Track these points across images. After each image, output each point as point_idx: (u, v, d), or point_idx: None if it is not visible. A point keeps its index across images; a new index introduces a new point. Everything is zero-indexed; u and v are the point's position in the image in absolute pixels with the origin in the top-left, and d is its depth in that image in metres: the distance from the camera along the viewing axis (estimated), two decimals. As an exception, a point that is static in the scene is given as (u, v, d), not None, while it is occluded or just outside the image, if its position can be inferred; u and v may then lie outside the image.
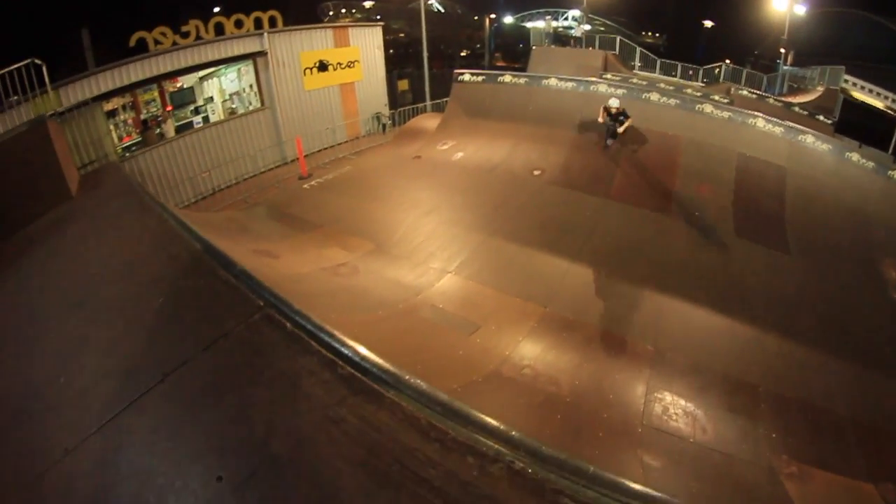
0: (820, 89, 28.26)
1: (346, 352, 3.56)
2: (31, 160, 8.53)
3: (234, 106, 18.45)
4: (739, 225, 12.25)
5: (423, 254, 10.28)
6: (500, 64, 47.57)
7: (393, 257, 10.22)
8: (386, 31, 22.83)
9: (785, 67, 33.73)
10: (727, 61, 32.14)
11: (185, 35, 16.36)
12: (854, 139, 25.14)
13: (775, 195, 13.29)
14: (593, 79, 17.03)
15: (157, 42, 15.71)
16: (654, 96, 15.46)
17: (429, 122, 18.48)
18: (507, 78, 17.34)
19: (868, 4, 42.52)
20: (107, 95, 14.57)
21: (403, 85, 27.97)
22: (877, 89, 28.39)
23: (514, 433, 2.87)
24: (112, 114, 15.19)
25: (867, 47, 39.75)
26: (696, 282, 9.97)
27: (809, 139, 14.17)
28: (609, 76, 23.57)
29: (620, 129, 14.15)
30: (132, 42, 15.50)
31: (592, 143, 14.56)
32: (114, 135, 14.96)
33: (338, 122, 20.49)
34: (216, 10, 28.58)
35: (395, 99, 24.82)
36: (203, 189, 16.17)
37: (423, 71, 25.50)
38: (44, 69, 11.86)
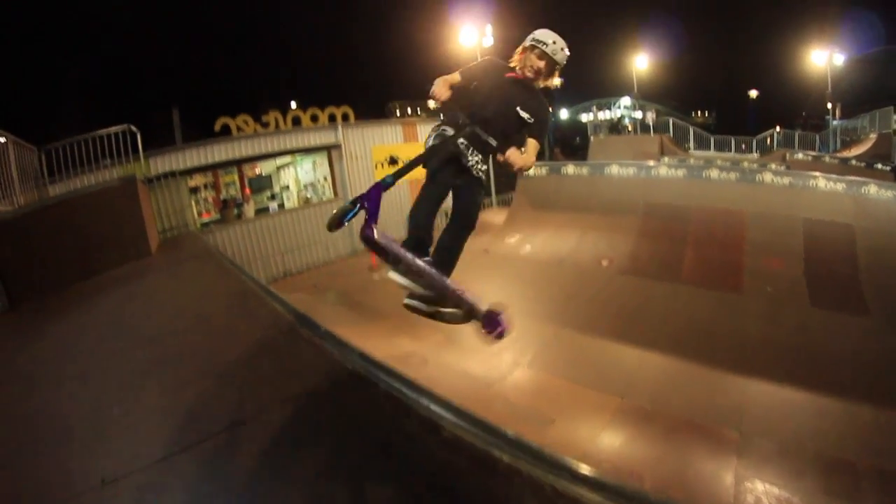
0: (873, 137, 27.81)
1: (449, 415, 3.21)
2: (118, 211, 9.14)
3: (308, 196, 19.49)
4: (814, 294, 11.83)
5: (494, 346, 10.20)
6: (559, 157, 48.38)
7: (463, 349, 10.10)
8: None
9: (835, 122, 33.47)
10: (777, 128, 31.96)
11: (265, 125, 17.88)
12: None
13: (847, 256, 12.81)
14: (653, 163, 17.15)
15: (239, 129, 17.13)
16: (714, 173, 15.47)
17: (495, 217, 18.97)
18: (570, 169, 17.81)
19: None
20: (191, 171, 15.75)
21: None
22: None
23: (666, 498, 2.54)
24: (194, 191, 16.50)
25: None
26: (776, 359, 9.62)
27: (873, 189, 13.73)
28: (667, 159, 23.73)
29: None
30: (217, 126, 17.04)
31: (659, 230, 14.44)
32: (194, 210, 15.99)
33: (407, 216, 20.92)
34: (293, 104, 30.62)
35: None
36: (275, 272, 16.90)
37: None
38: (138, 137, 12.61)
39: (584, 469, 2.73)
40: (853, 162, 24.52)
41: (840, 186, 14.07)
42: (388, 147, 20.44)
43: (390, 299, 12.52)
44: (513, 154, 3.81)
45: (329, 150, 19.12)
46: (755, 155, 29.30)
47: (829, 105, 35.34)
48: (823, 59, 34.79)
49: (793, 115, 47.91)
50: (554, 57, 3.98)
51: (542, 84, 4.12)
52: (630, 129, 36.96)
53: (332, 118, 19.41)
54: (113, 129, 12.18)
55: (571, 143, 48.98)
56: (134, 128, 12.51)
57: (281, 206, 18.91)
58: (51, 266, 7.82)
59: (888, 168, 23.29)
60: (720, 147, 30.91)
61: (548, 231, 15.83)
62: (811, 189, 14.29)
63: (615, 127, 40.19)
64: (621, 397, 8.66)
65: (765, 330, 10.69)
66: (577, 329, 10.74)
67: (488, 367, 9.65)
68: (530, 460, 2.77)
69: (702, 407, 8.44)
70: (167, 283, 7.67)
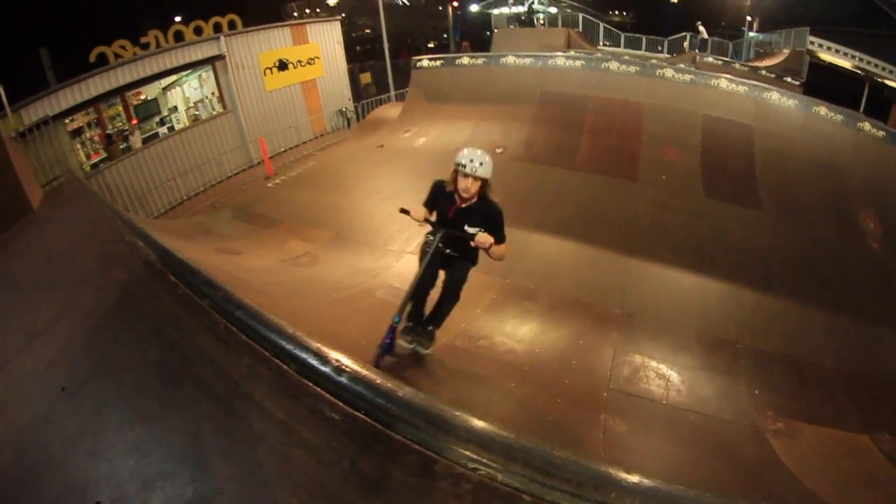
0: (786, 51, 28.48)
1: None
2: (-11, 178, 8.58)
3: (197, 113, 18.16)
4: (709, 185, 12.08)
5: (382, 238, 10.06)
6: (468, 51, 47.22)
7: (353, 244, 10.05)
8: (351, 28, 22.61)
9: (751, 34, 33.84)
10: (693, 32, 32.07)
11: (146, 46, 16.28)
12: (824, 101, 25.13)
13: (744, 154, 13.16)
14: (550, 53, 16.73)
15: (117, 56, 15.60)
16: (614, 65, 15.25)
17: (391, 111, 18.37)
18: (465, 60, 17.16)
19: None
20: (69, 112, 14.43)
21: (366, 78, 27.62)
22: (843, 49, 28.25)
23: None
24: (78, 132, 15.03)
25: (831, 11, 40.23)
26: (666, 243, 9.72)
27: (775, 96, 14.17)
28: (571, 52, 23.32)
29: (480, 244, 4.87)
30: (92, 58, 15.38)
31: (555, 118, 14.19)
32: (81, 153, 14.85)
33: (301, 119, 20.20)
34: (177, 18, 28.61)
35: (358, 92, 24.48)
36: (172, 198, 15.91)
37: (385, 62, 25.24)
38: (1, 92, 11.81)
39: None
40: (763, 72, 25.03)
41: (742, 89, 14.31)
42: (276, 52, 19.38)
43: (284, 205, 12.44)
44: (481, 237, 4.79)
45: (213, 62, 17.77)
46: (665, 55, 29.31)
47: (749, 18, 35.72)
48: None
49: (712, 24, 48.60)
50: (476, 174, 4.60)
51: (484, 197, 4.86)
52: (542, 23, 36.05)
53: (217, 29, 17.89)
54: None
55: (481, 37, 47.84)
56: (-4, 85, 11.29)
57: (171, 129, 17.53)
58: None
59: (797, 83, 23.93)
60: (631, 45, 30.66)
61: (442, 123, 15.37)
62: (713, 88, 14.43)
63: (526, 20, 39.02)
64: (504, 278, 8.34)
65: (656, 215, 10.75)
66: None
67: (375, 257, 9.39)
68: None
69: (586, 285, 8.34)
70: (40, 234, 7.31)
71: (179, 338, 2.98)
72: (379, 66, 27.14)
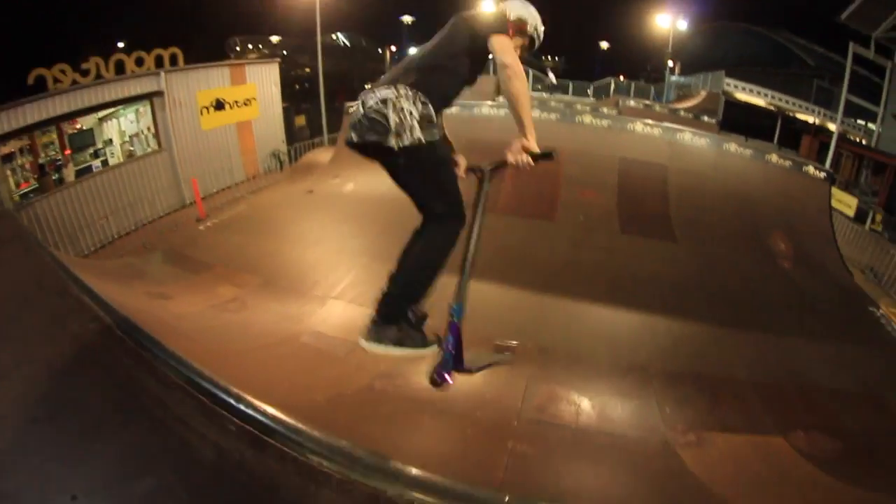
0: (703, 93, 30.42)
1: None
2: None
3: (132, 148, 17.97)
4: (624, 223, 12.82)
5: (307, 283, 10.41)
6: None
7: (280, 290, 10.28)
8: (291, 66, 22.67)
9: (672, 78, 35.89)
10: (621, 76, 33.89)
11: (86, 73, 15.96)
12: (741, 135, 27.29)
13: (659, 193, 13.98)
14: (476, 102, 17.38)
15: (56, 80, 15.30)
16: (536, 113, 15.87)
17: (323, 155, 18.83)
18: (396, 106, 17.61)
19: (743, 16, 46.83)
20: (2, 139, 14.16)
21: (301, 120, 27.63)
22: (757, 88, 30.50)
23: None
24: (9, 158, 14.64)
25: (747, 54, 43.57)
26: (581, 279, 10.27)
27: (687, 136, 15.21)
28: (500, 99, 24.21)
29: None
30: (31, 80, 15.02)
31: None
32: (11, 181, 14.53)
33: (235, 161, 20.30)
34: (120, 44, 28.02)
35: (292, 135, 24.69)
36: (104, 237, 15.68)
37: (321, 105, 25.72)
38: None
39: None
40: (682, 113, 26.76)
41: (657, 132, 15.33)
42: (214, 91, 19.44)
43: (215, 249, 12.71)
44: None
45: (151, 98, 17.71)
46: (591, 99, 30.77)
47: (671, 63, 38.10)
48: (668, 22, 37.59)
49: (638, 68, 51.41)
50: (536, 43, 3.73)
51: None
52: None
53: (159, 62, 17.76)
54: None
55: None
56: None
57: (104, 163, 17.29)
58: None
59: (713, 121, 25.69)
60: (560, 90, 32.15)
61: (370, 169, 15.42)
62: (629, 132, 15.40)
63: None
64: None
65: (572, 253, 11.38)
66: (387, 260, 10.58)
67: (301, 303, 9.67)
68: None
69: (502, 325, 8.69)
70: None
71: (143, 395, 3.19)
72: (314, 108, 27.43)
